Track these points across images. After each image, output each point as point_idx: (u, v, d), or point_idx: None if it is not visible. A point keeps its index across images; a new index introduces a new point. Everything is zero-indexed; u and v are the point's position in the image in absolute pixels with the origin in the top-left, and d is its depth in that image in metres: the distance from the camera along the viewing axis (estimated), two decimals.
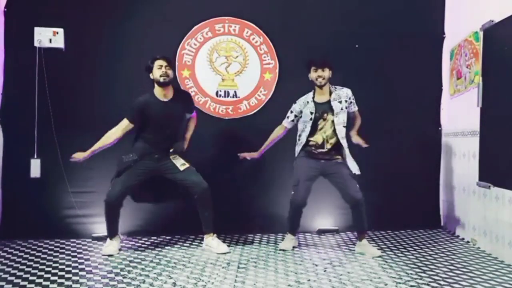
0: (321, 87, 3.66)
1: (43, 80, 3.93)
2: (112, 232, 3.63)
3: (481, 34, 3.77)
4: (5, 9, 3.94)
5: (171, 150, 3.62)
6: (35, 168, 3.94)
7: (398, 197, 4.38)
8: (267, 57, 4.34)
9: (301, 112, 3.73)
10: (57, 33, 3.96)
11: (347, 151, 3.66)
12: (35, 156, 3.95)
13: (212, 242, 3.67)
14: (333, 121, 3.65)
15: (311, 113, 3.66)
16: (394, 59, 4.41)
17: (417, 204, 4.44)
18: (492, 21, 3.56)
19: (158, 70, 3.52)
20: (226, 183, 4.16)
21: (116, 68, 4.07)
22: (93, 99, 4.05)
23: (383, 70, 4.40)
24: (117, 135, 3.57)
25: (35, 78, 3.92)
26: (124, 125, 3.58)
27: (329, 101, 3.66)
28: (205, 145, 4.11)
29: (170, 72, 3.56)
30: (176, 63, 4.20)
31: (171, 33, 4.15)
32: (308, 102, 3.71)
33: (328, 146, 3.67)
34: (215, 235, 3.70)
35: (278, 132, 3.85)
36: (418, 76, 4.46)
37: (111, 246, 3.58)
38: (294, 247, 3.79)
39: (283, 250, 3.70)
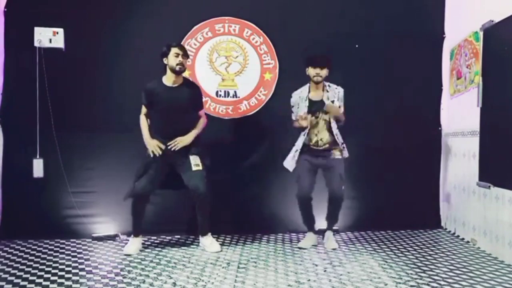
0: (317, 84, 3.71)
1: (43, 80, 3.94)
2: (137, 230, 3.66)
3: (481, 34, 3.77)
4: (5, 9, 3.94)
5: (193, 152, 3.64)
6: (38, 168, 3.94)
7: (398, 197, 4.37)
8: (267, 57, 4.34)
9: (298, 104, 3.78)
10: (57, 33, 3.96)
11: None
12: (38, 156, 3.95)
13: (205, 241, 3.69)
14: (325, 120, 3.71)
15: (305, 106, 3.72)
16: (394, 59, 4.41)
17: (417, 204, 4.44)
18: (492, 21, 3.56)
19: (175, 58, 3.55)
20: (226, 183, 4.16)
21: (116, 68, 4.07)
22: (93, 99, 4.05)
23: (383, 70, 4.40)
24: (144, 119, 3.69)
25: (35, 78, 3.92)
26: (144, 110, 3.68)
27: (322, 100, 3.71)
28: (205, 145, 4.10)
29: (185, 61, 3.61)
30: None
31: (171, 33, 4.14)
32: (302, 92, 3.78)
33: (322, 144, 3.71)
34: (209, 233, 3.73)
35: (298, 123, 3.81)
36: (418, 76, 4.46)
37: (133, 245, 3.60)
38: (315, 245, 3.85)
39: (301, 248, 3.76)
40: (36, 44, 3.92)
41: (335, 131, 3.71)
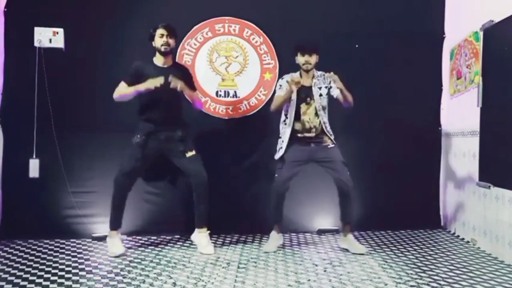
0: (307, 71, 3.67)
1: (43, 80, 3.93)
2: (116, 222, 3.57)
3: (481, 34, 3.77)
4: (5, 9, 3.94)
5: (178, 135, 3.56)
6: (34, 168, 3.94)
7: (398, 197, 4.37)
8: (267, 57, 4.34)
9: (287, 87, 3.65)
10: (57, 33, 3.96)
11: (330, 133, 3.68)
12: (34, 156, 3.94)
13: (203, 239, 3.63)
14: (315, 107, 3.65)
15: (297, 93, 3.62)
16: (394, 59, 4.41)
17: (417, 204, 4.44)
18: (492, 21, 3.56)
19: (160, 39, 3.54)
20: (226, 183, 4.16)
21: (116, 68, 4.06)
22: (93, 99, 4.05)
23: (383, 70, 4.40)
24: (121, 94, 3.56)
25: (35, 78, 3.92)
26: (121, 87, 3.55)
27: (310, 87, 3.66)
28: (205, 145, 4.10)
29: (171, 41, 3.57)
30: None
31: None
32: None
33: (314, 130, 3.65)
34: (208, 232, 3.66)
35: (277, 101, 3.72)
36: (418, 76, 4.46)
37: (116, 245, 3.54)
38: (279, 246, 3.74)
39: (267, 252, 3.62)
40: (36, 44, 3.92)
41: (323, 119, 3.65)
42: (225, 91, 4.30)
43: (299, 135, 3.67)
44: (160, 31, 3.54)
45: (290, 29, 4.32)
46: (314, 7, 4.34)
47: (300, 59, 3.65)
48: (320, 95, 3.67)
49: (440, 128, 4.54)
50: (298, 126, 3.67)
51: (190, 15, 4.23)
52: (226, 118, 4.29)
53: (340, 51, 4.25)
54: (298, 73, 3.74)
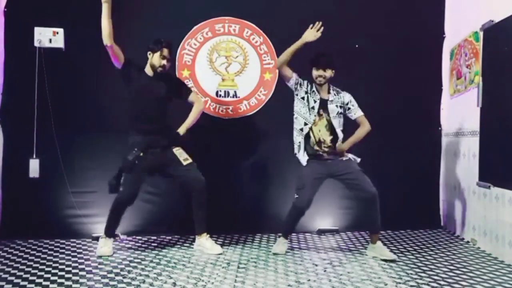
0: (320, 85, 3.63)
1: (43, 80, 3.93)
2: (112, 231, 3.62)
3: (481, 34, 3.77)
4: (5, 9, 3.94)
5: (166, 144, 3.56)
6: (34, 168, 3.94)
7: (398, 197, 4.37)
8: (267, 57, 4.34)
9: (306, 88, 3.60)
10: (57, 33, 3.96)
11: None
12: (34, 156, 3.94)
13: (205, 243, 3.65)
14: (329, 122, 3.59)
15: (315, 101, 3.58)
16: (394, 59, 4.42)
17: (417, 204, 4.44)
18: (492, 21, 3.56)
19: (161, 59, 3.52)
20: (226, 183, 4.16)
21: (116, 68, 4.06)
22: (93, 99, 4.05)
23: (383, 70, 4.40)
24: (111, 37, 3.45)
25: (35, 78, 3.92)
26: (120, 50, 3.51)
27: (326, 101, 3.62)
28: (205, 145, 4.11)
29: (168, 65, 3.59)
30: (176, 63, 4.20)
31: (171, 33, 4.13)
32: (314, 92, 3.61)
33: (326, 146, 3.60)
34: (208, 235, 3.69)
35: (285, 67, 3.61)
36: (418, 76, 4.46)
37: (106, 247, 3.55)
38: (291, 247, 3.77)
39: (277, 254, 3.61)
40: (36, 44, 3.92)
41: (339, 134, 3.60)
42: (225, 91, 4.30)
43: (314, 149, 3.59)
44: (165, 52, 3.51)
45: (290, 29, 4.31)
46: (314, 7, 4.33)
47: (314, 72, 3.58)
48: (337, 113, 3.61)
49: (440, 128, 4.54)
50: (310, 141, 3.60)
51: (190, 15, 4.23)
52: (226, 118, 4.29)
53: (340, 51, 4.24)
54: (314, 84, 3.64)
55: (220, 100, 4.29)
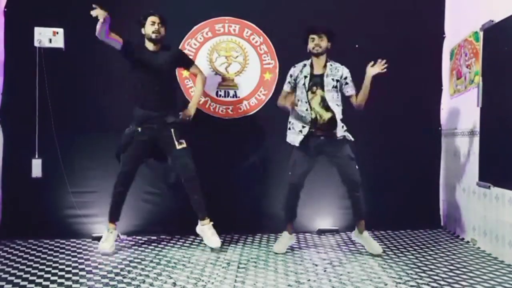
0: (317, 55, 3.56)
1: (43, 80, 3.93)
2: (114, 214, 3.62)
3: (481, 34, 3.77)
4: (5, 9, 3.94)
5: (170, 121, 3.57)
6: (37, 168, 3.94)
7: (398, 197, 4.37)
8: (267, 57, 4.34)
9: (299, 73, 3.62)
10: (57, 33, 3.96)
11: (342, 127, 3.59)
12: (36, 156, 3.95)
13: (207, 231, 3.65)
14: (323, 97, 3.54)
15: (305, 77, 3.56)
16: (394, 59, 4.39)
17: (417, 204, 4.44)
18: (492, 21, 3.56)
19: (151, 26, 3.56)
20: (226, 183, 4.16)
21: (116, 68, 4.06)
22: (93, 99, 4.05)
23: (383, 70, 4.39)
24: (111, 34, 3.50)
25: (35, 78, 3.92)
26: (118, 35, 3.53)
27: (322, 75, 3.57)
28: (205, 145, 4.11)
29: (162, 29, 3.59)
30: None
31: (171, 33, 4.13)
32: (305, 65, 3.62)
33: (321, 121, 3.56)
34: (211, 223, 3.68)
35: (283, 100, 3.68)
36: (418, 76, 4.46)
37: (107, 242, 3.55)
38: (291, 247, 3.74)
39: (276, 253, 3.61)
40: (36, 44, 3.92)
41: (335, 109, 3.52)
42: (225, 91, 4.30)
43: (306, 129, 3.55)
44: (151, 18, 3.55)
45: (290, 29, 4.32)
46: (314, 7, 4.33)
47: (310, 44, 3.54)
48: (333, 86, 3.56)
49: (440, 128, 4.54)
50: (305, 117, 3.56)
51: (190, 15, 4.23)
52: (226, 118, 4.29)
53: (340, 51, 4.23)
54: (310, 61, 3.64)
55: (220, 100, 4.29)
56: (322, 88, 3.55)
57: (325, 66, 3.61)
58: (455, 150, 4.31)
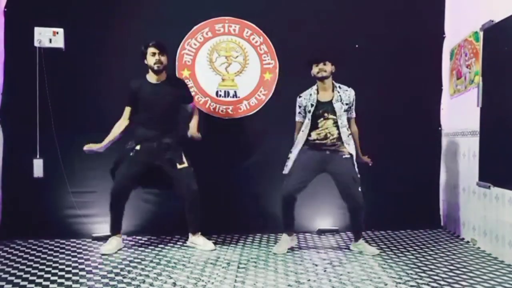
0: (322, 79, 3.57)
1: (43, 80, 3.93)
2: (115, 227, 3.64)
3: (481, 34, 3.77)
4: (5, 9, 3.94)
5: (168, 142, 3.61)
6: (38, 168, 3.94)
7: (398, 197, 4.37)
8: (267, 57, 4.34)
9: (306, 101, 3.64)
10: (57, 33, 3.96)
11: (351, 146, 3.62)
12: (38, 156, 3.95)
13: (198, 240, 3.72)
14: (335, 120, 3.56)
15: (312, 105, 3.58)
16: (394, 59, 4.41)
17: (417, 204, 4.44)
18: (492, 21, 3.56)
19: (152, 57, 3.59)
20: (226, 183, 4.16)
21: (116, 68, 4.07)
22: (93, 99, 4.05)
23: (383, 70, 4.40)
24: (124, 124, 3.68)
25: (35, 78, 3.92)
26: (127, 112, 3.69)
27: (331, 101, 3.59)
28: (205, 145, 4.10)
29: (163, 58, 3.62)
30: (176, 63, 4.20)
31: (171, 33, 4.14)
32: (311, 94, 3.63)
33: (331, 140, 3.56)
34: (199, 233, 3.76)
35: (299, 128, 3.71)
36: (418, 76, 4.46)
37: (109, 245, 3.58)
38: (291, 248, 3.74)
39: (276, 254, 3.60)
40: (36, 44, 3.92)
41: (343, 134, 3.55)
42: (225, 91, 4.30)
43: (316, 142, 3.58)
44: (151, 49, 3.58)
45: (290, 29, 4.33)
46: (314, 7, 4.34)
47: (314, 69, 3.56)
48: (344, 110, 3.58)
49: (440, 128, 4.54)
50: (314, 136, 3.60)
51: (190, 15, 4.23)
52: (226, 118, 4.29)
53: (340, 51, 4.24)
54: (314, 87, 3.66)
55: (220, 100, 4.29)
56: (334, 114, 3.57)
57: (332, 90, 3.61)
58: (455, 150, 4.31)
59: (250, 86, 4.32)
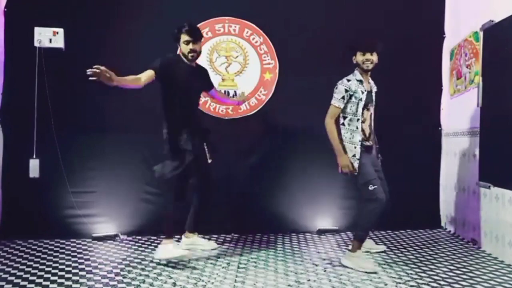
0: (367, 72, 3.34)
1: (43, 80, 3.93)
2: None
3: (481, 34, 3.77)
4: (5, 9, 3.94)
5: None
6: (34, 168, 3.93)
7: (398, 197, 4.34)
8: (267, 57, 4.34)
9: (355, 91, 3.27)
10: (57, 33, 3.95)
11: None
12: (34, 156, 3.94)
13: (201, 240, 3.72)
14: (371, 114, 3.45)
15: (362, 92, 3.27)
16: (394, 59, 4.40)
17: (417, 204, 4.43)
18: (492, 21, 3.56)
19: (186, 46, 3.31)
20: (226, 183, 4.16)
21: (116, 68, 4.04)
22: (93, 99, 4.04)
23: (383, 70, 4.37)
24: (138, 82, 3.20)
25: (35, 78, 3.92)
26: (147, 74, 3.21)
27: (370, 92, 3.39)
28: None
29: (197, 47, 3.34)
30: None
31: (171, 33, 4.13)
32: (361, 81, 3.31)
33: (373, 138, 3.48)
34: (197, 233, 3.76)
35: (335, 114, 3.30)
36: (418, 76, 4.46)
37: (175, 247, 3.37)
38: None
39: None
40: (36, 44, 3.91)
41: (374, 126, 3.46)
42: (225, 91, 4.29)
43: (364, 143, 3.34)
44: (185, 37, 3.30)
45: (290, 29, 4.33)
46: (314, 7, 4.34)
47: (359, 57, 3.29)
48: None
49: (440, 128, 4.54)
50: (361, 133, 3.34)
51: (190, 15, 4.21)
52: (226, 118, 4.29)
53: (340, 51, 4.24)
54: (357, 75, 3.35)
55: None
56: (372, 105, 3.45)
57: (369, 81, 3.47)
58: (455, 150, 4.31)
59: (250, 86, 4.32)
